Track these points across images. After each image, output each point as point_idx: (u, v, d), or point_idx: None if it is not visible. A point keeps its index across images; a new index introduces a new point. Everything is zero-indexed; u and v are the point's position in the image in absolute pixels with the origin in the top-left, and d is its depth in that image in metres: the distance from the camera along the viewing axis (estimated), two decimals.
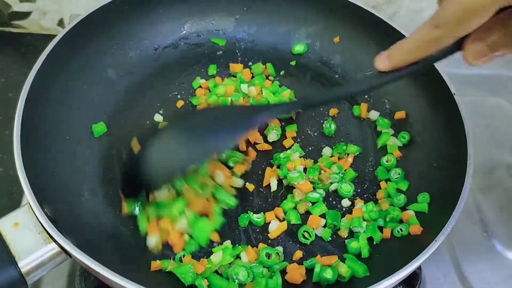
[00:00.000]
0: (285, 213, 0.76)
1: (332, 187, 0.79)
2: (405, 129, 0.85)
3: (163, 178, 0.68)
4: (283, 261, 0.71)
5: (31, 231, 0.61)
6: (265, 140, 0.84)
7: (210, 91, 0.89)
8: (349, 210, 0.77)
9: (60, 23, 1.19)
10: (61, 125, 0.77)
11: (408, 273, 0.61)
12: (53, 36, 0.78)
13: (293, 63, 0.95)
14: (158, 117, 0.86)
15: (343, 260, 0.70)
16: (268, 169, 0.80)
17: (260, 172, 0.80)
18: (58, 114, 0.77)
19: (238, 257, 0.70)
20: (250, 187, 0.78)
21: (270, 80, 0.92)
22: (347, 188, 0.78)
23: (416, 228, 0.71)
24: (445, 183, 0.73)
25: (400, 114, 0.86)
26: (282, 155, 0.80)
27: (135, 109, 0.86)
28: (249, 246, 0.71)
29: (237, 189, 0.77)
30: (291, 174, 0.77)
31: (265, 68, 0.94)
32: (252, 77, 0.92)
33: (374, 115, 0.88)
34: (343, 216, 0.76)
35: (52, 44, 0.77)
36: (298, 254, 0.72)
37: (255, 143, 0.83)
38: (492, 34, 0.47)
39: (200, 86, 0.90)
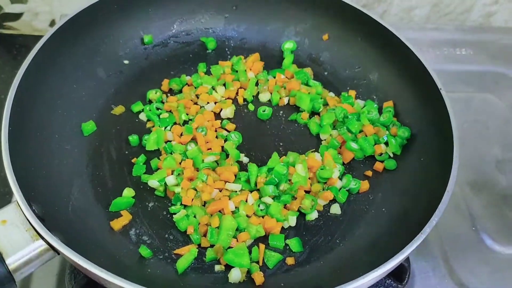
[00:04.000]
0: None
1: None
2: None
3: None
4: None
5: (19, 228, 0.61)
6: None
7: (195, 87, 0.90)
8: None
9: (52, 24, 1.20)
10: (50, 124, 0.77)
11: (394, 265, 0.61)
12: None
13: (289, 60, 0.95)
14: (142, 116, 0.86)
15: None
16: None
17: None
18: (47, 113, 0.77)
19: None
20: None
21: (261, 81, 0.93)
22: None
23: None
24: (432, 177, 0.73)
25: (388, 103, 0.88)
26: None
27: (124, 107, 0.86)
28: None
29: None
30: None
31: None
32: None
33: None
34: None
35: (40, 43, 0.77)
36: None
37: None
38: None
39: (187, 83, 0.91)
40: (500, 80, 1.10)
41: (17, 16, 1.18)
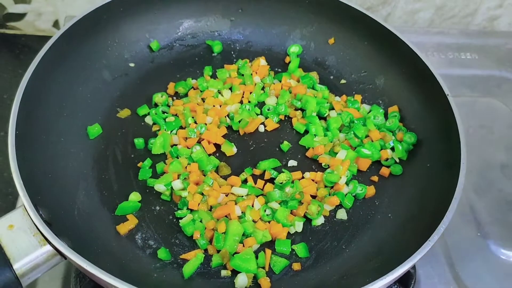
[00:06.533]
0: None
1: None
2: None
3: None
4: None
5: (26, 233, 0.61)
6: None
7: (201, 91, 0.90)
8: None
9: (55, 24, 1.19)
10: (56, 127, 0.77)
11: (402, 273, 0.61)
12: (48, 38, 0.78)
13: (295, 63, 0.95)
14: (148, 119, 0.86)
15: None
16: None
17: None
18: (53, 116, 0.77)
19: None
20: None
21: (267, 85, 0.92)
22: None
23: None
24: (439, 183, 0.73)
25: (393, 108, 0.88)
26: None
27: (130, 110, 0.86)
28: None
29: None
30: None
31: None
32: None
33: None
34: None
35: (47, 46, 0.77)
36: None
37: None
38: None
39: (193, 87, 0.91)
40: (505, 85, 1.10)
41: (20, 16, 1.17)
